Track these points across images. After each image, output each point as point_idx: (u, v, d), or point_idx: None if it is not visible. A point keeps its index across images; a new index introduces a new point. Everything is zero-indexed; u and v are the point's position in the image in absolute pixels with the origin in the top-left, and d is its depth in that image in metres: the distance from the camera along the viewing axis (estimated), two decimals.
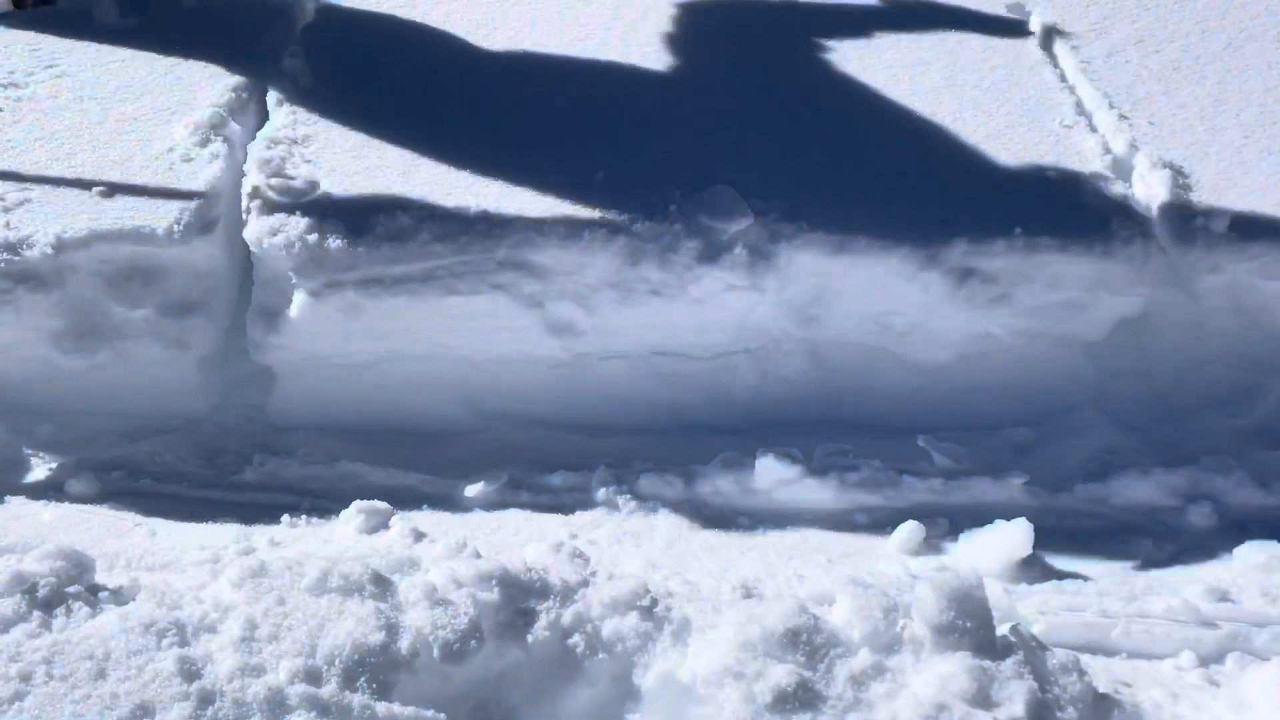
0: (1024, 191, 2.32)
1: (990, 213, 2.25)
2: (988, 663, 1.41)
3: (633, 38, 2.77)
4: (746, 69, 2.68)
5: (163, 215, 2.18)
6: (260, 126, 2.48)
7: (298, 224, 2.14)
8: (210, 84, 2.58)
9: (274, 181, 2.22)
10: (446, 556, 1.83)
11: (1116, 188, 2.33)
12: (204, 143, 2.38)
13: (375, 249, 2.12)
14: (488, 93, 2.57)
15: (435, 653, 1.42)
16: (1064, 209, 2.27)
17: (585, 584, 1.54)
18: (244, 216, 2.20)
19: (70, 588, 1.48)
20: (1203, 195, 2.33)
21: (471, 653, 1.44)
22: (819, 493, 2.05)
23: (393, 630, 1.42)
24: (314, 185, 2.23)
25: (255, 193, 2.20)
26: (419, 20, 2.83)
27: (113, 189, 2.24)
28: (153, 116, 2.48)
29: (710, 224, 2.18)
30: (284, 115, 2.46)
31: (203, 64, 2.64)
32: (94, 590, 1.51)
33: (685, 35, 2.79)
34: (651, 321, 2.20)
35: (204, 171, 2.30)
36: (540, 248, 2.14)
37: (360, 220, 2.16)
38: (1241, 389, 2.24)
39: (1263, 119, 2.55)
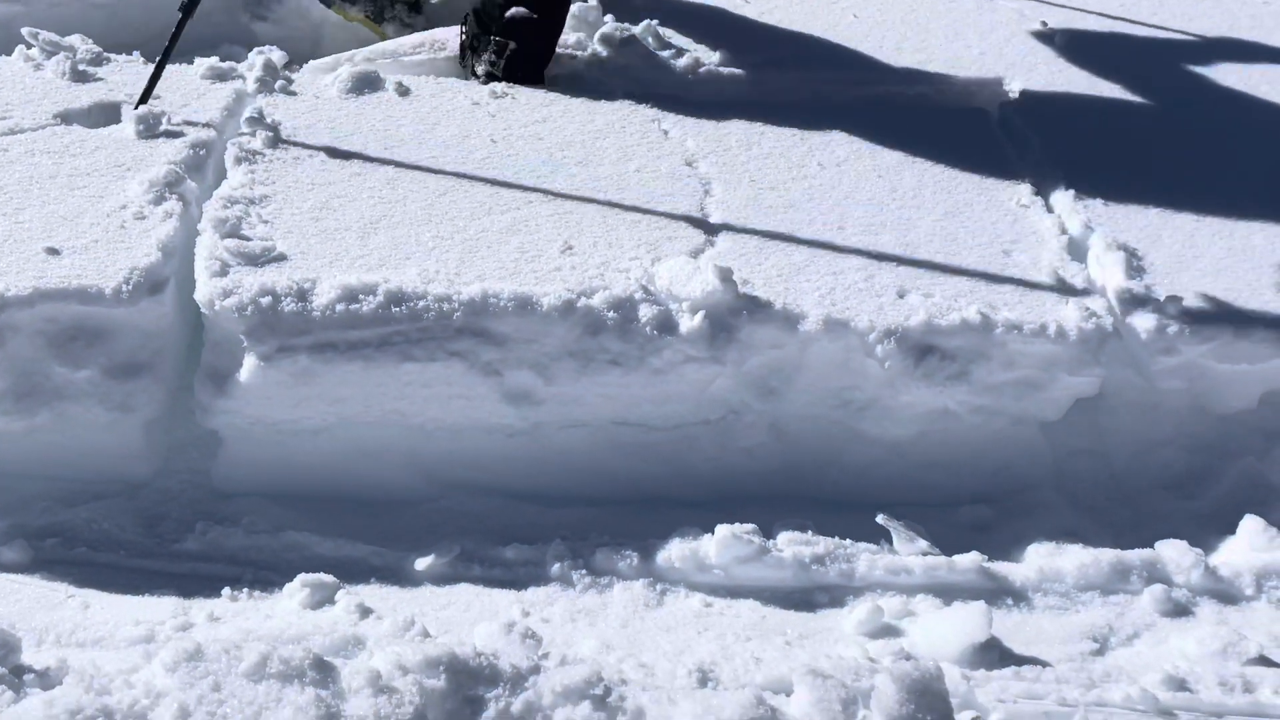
0: (981, 269, 2.34)
1: (947, 290, 2.27)
2: None
3: (596, 110, 2.76)
4: (705, 139, 2.69)
5: (111, 274, 2.13)
6: (218, 185, 2.45)
7: (251, 286, 2.10)
8: (168, 140, 2.55)
9: (229, 243, 2.18)
10: (393, 636, 1.77)
11: (1072, 269, 2.36)
12: (158, 200, 2.34)
13: (330, 314, 2.08)
14: (449, 157, 2.55)
15: None
16: (1020, 288, 2.29)
17: (536, 670, 1.49)
18: (196, 277, 2.15)
19: None
20: (1157, 278, 2.37)
21: None
22: (778, 571, 2.01)
23: None
24: (270, 247, 2.19)
25: (209, 253, 2.16)
26: (382, 86, 2.81)
27: (60, 246, 2.19)
28: (107, 172, 2.43)
29: (670, 293, 2.17)
30: (242, 174, 2.43)
31: (162, 119, 2.60)
32: (19, 672, 1.44)
33: (645, 139, 2.73)
34: (611, 391, 2.17)
35: (157, 230, 2.26)
36: (498, 315, 2.12)
37: (316, 284, 2.12)
38: (1195, 471, 2.25)
39: (1215, 202, 2.60)
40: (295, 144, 2.55)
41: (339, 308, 2.08)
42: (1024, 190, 2.58)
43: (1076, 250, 2.44)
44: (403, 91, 2.79)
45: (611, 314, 2.13)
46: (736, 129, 2.76)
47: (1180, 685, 1.80)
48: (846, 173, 2.61)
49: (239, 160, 2.46)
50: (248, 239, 2.21)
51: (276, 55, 3.26)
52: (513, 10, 2.92)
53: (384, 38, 3.23)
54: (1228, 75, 3.13)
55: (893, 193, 2.55)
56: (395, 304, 2.10)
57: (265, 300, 2.07)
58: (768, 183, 2.56)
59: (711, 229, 2.39)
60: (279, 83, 2.81)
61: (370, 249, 2.24)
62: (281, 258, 2.18)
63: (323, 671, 1.42)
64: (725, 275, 2.16)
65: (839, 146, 2.71)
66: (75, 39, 2.91)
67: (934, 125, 2.83)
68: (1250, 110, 2.96)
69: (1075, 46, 3.24)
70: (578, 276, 2.20)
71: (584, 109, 2.78)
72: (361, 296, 2.10)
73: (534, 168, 2.53)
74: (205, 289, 2.10)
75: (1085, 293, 2.29)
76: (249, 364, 2.07)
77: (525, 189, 2.47)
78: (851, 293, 2.23)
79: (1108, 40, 3.30)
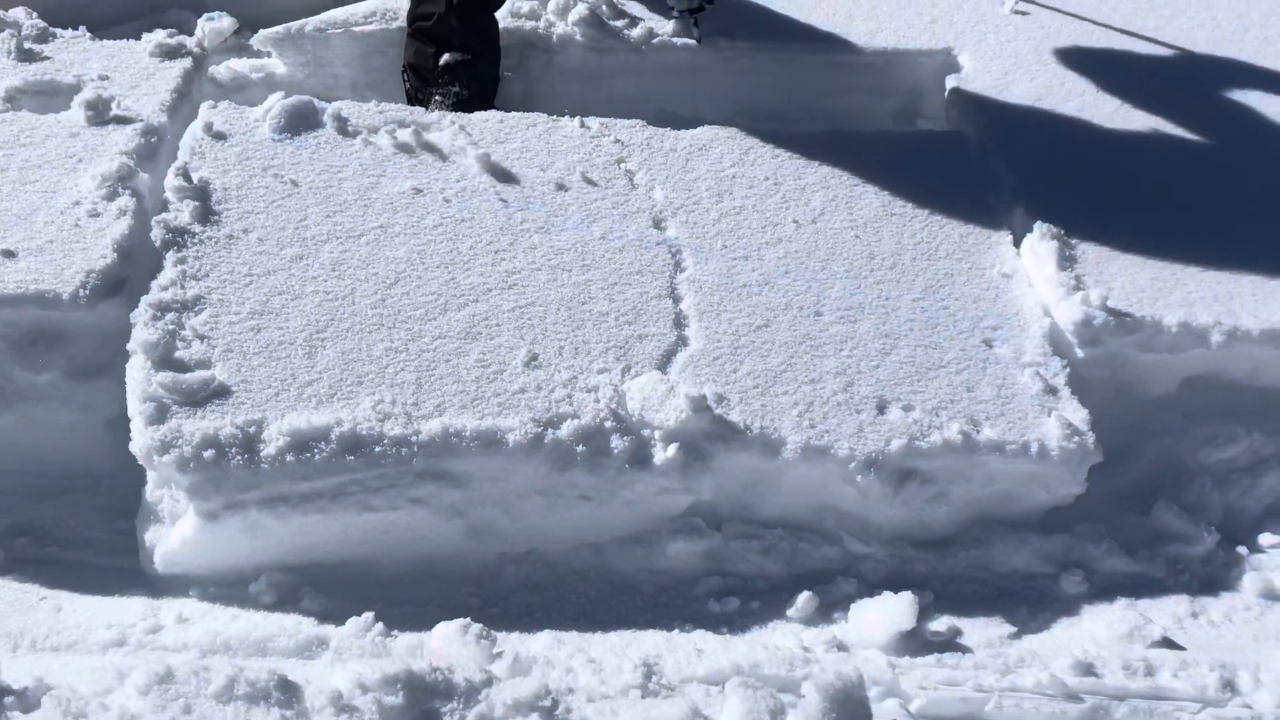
0: (962, 367, 2.25)
1: (928, 400, 2.18)
2: None
3: (554, 148, 2.59)
4: (674, 187, 2.54)
5: (69, 278, 2.16)
6: (168, 174, 2.44)
7: (192, 435, 1.93)
8: (118, 127, 2.55)
9: (163, 377, 2.00)
10: (355, 636, 1.88)
11: (1053, 366, 2.28)
12: (111, 195, 2.35)
13: (280, 465, 1.92)
14: (398, 225, 2.36)
15: None
16: (1002, 393, 2.21)
17: (489, 682, 1.60)
18: (130, 419, 2.00)
19: None
20: (1087, 267, 2.46)
21: None
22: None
23: None
24: (209, 379, 2.02)
25: (142, 391, 2.00)
26: (320, 122, 2.59)
27: (15, 248, 2.20)
28: (58, 164, 2.44)
29: (642, 419, 2.06)
30: (171, 266, 2.22)
31: (111, 103, 2.59)
32: None
33: (609, 190, 2.53)
34: (579, 525, 2.09)
35: (111, 228, 2.28)
36: (461, 455, 1.98)
37: (263, 427, 1.96)
38: (1115, 452, 2.36)
39: (1148, 191, 2.68)
40: (227, 213, 2.32)
41: (289, 458, 1.92)
42: (1006, 253, 2.48)
43: (1058, 337, 2.35)
44: (342, 128, 2.55)
45: (581, 447, 2.01)
46: (705, 170, 2.59)
47: (1088, 670, 1.94)
48: (823, 231, 2.48)
49: (167, 244, 2.25)
50: (184, 368, 2.03)
51: (225, 22, 3.24)
52: (446, 57, 2.84)
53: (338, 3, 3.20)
54: (1180, 65, 3.13)
55: (871, 260, 2.43)
56: (350, 451, 1.94)
57: (209, 454, 1.91)
58: (741, 250, 2.42)
59: (683, 321, 2.26)
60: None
61: (318, 370, 2.06)
62: (223, 391, 2.00)
63: (287, 692, 1.52)
64: (699, 404, 2.06)
65: (814, 194, 2.56)
66: (19, 13, 2.87)
67: (910, 159, 2.70)
68: (1194, 103, 2.97)
69: (1027, 20, 3.27)
70: (544, 400, 2.07)
71: (542, 145, 2.59)
72: (313, 444, 1.94)
73: (491, 239, 2.36)
74: (142, 439, 1.93)
75: (1068, 400, 2.22)
76: (193, 523, 1.95)
77: (483, 270, 2.29)
78: (830, 408, 2.13)
79: (1061, 18, 3.31)
